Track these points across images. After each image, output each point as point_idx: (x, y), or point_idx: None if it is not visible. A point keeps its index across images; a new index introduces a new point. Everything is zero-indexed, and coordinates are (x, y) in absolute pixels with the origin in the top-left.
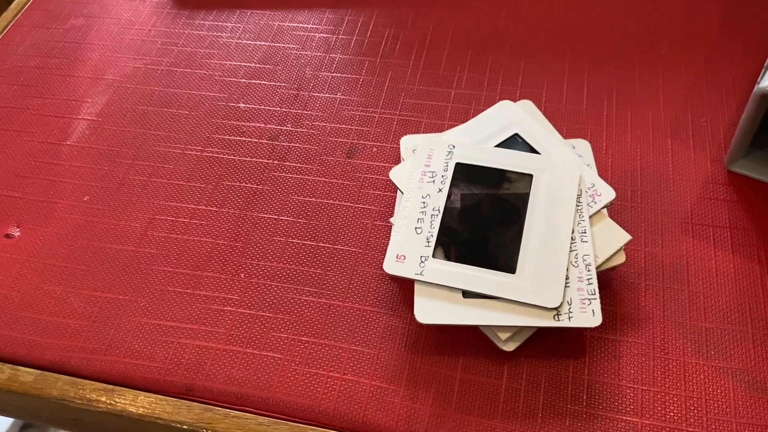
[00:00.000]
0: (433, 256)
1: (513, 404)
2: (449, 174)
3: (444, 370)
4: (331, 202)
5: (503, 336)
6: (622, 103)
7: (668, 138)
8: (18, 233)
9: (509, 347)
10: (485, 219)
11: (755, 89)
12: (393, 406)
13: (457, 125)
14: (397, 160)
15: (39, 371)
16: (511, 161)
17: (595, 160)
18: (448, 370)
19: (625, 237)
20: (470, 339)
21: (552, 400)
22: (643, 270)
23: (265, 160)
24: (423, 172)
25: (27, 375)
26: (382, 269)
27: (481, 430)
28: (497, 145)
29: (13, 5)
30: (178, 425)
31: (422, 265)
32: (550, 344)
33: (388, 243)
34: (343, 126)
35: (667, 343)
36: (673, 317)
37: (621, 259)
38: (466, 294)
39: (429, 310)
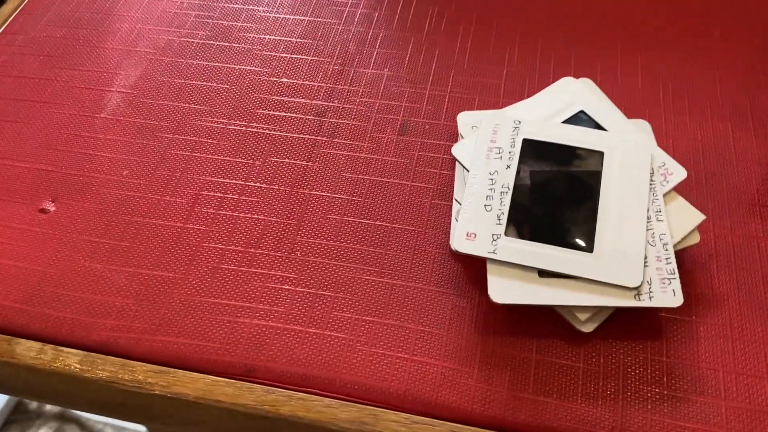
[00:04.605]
0: (506, 234)
1: (592, 387)
2: (517, 150)
3: (518, 351)
4: (385, 180)
5: (582, 317)
6: (677, 87)
7: (728, 121)
8: (53, 208)
9: (588, 328)
10: (558, 197)
11: None
12: (468, 388)
13: (513, 103)
14: (451, 137)
15: (84, 352)
16: (581, 138)
17: (656, 142)
18: (523, 352)
19: (699, 216)
20: (541, 319)
21: (631, 383)
22: (713, 251)
23: (314, 137)
24: (489, 148)
25: (72, 356)
26: (443, 248)
27: (561, 412)
28: (563, 122)
29: None
30: (240, 408)
31: (494, 243)
32: (625, 325)
33: (447, 222)
34: (393, 102)
35: (744, 325)
36: (748, 298)
37: (695, 239)
38: (542, 273)
39: (504, 290)
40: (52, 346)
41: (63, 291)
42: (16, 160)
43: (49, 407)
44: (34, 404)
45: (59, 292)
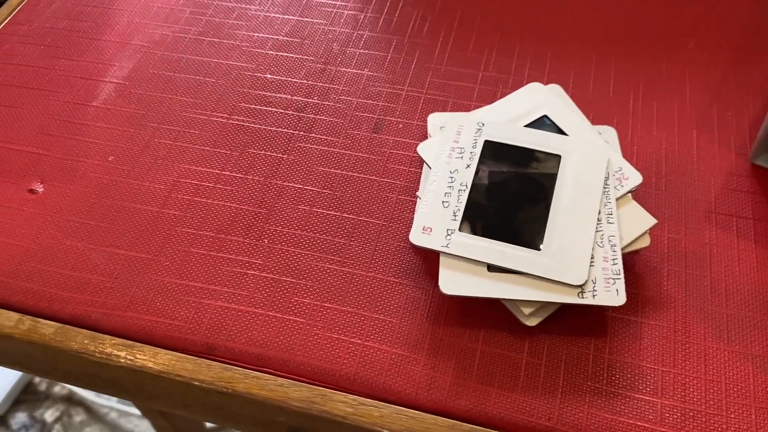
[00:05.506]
0: (460, 230)
1: (533, 379)
2: (477, 151)
3: (465, 341)
4: (356, 174)
5: (526, 311)
6: (648, 95)
7: (693, 130)
8: (42, 189)
9: (532, 322)
10: (512, 196)
11: None
12: (414, 374)
13: (484, 106)
14: (423, 137)
15: (59, 324)
16: (540, 141)
17: (621, 148)
18: (470, 342)
19: (650, 220)
20: (491, 313)
21: (572, 377)
22: (665, 255)
23: (291, 131)
24: (451, 148)
25: (47, 327)
26: (405, 242)
27: (501, 402)
28: (526, 126)
29: None
30: (198, 383)
31: (448, 237)
32: (572, 322)
33: (412, 217)
34: (370, 101)
35: (688, 327)
36: (694, 302)
37: (646, 242)
38: (491, 268)
39: (454, 282)
40: (30, 317)
41: (44, 266)
42: (10, 143)
43: (57, 389)
44: (42, 386)
45: (41, 268)
